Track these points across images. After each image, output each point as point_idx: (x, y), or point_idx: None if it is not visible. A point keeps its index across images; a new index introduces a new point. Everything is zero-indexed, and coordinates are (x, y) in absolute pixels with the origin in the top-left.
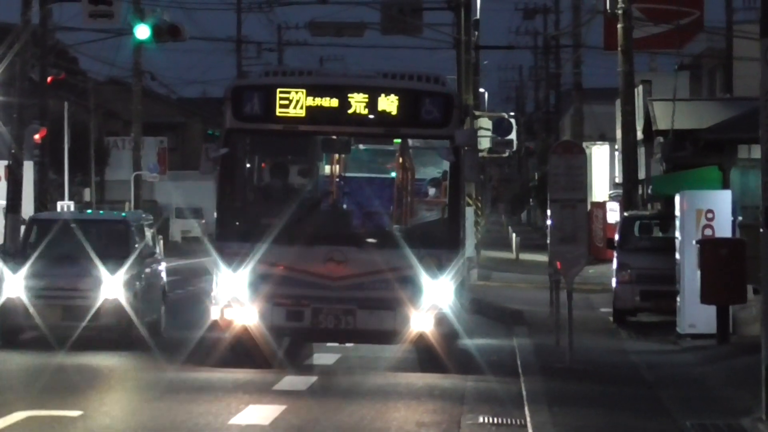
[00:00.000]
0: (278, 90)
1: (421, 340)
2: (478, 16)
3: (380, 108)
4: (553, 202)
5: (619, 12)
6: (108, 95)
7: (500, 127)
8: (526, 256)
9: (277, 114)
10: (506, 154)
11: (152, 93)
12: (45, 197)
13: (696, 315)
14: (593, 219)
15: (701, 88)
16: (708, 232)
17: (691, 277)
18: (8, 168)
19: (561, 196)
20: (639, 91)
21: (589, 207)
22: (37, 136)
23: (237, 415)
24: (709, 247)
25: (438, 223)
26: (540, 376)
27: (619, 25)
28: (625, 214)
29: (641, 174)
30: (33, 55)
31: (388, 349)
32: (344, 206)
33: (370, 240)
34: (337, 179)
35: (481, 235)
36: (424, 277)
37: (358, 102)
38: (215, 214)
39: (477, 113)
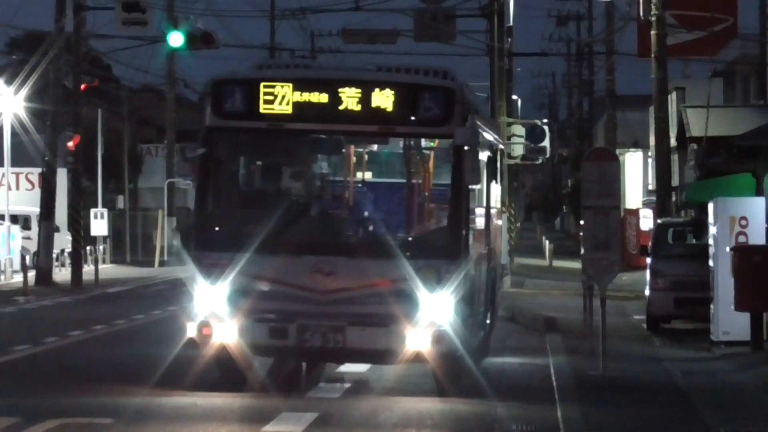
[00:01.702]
0: (262, 84)
1: (418, 360)
2: (511, 23)
3: (374, 104)
4: (586, 209)
5: (653, 19)
6: (141, 102)
7: (533, 134)
8: (559, 263)
9: (262, 111)
10: (539, 161)
11: (186, 100)
12: (78, 204)
13: (730, 322)
14: (627, 226)
15: (735, 95)
16: (742, 239)
17: (724, 285)
18: (42, 175)
19: (594, 203)
20: (672, 97)
21: (622, 214)
22: (70, 144)
23: None
24: (743, 254)
25: (438, 232)
26: (574, 387)
27: (653, 32)
28: (659, 221)
29: (675, 181)
30: (67, 63)
31: (403, 371)
32: (334, 213)
33: (361, 250)
34: (328, 183)
35: (515, 242)
36: (421, 291)
37: (349, 97)
38: (193, 220)
39: (510, 120)
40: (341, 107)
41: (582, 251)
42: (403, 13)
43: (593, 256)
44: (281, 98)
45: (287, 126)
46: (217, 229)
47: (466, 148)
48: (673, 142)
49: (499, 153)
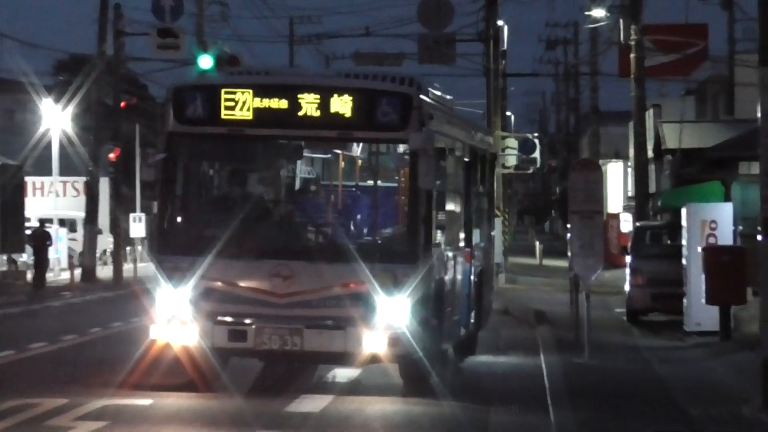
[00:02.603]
0: (223, 90)
1: (377, 362)
2: (505, 47)
3: (333, 109)
4: (572, 213)
5: (632, 43)
6: None
7: (525, 147)
8: (548, 262)
9: (222, 116)
10: (531, 171)
11: None
12: (118, 209)
13: (701, 315)
14: (608, 229)
15: (706, 111)
16: (711, 240)
17: (696, 281)
18: (86, 184)
19: (580, 208)
20: (650, 114)
21: (604, 218)
22: (111, 155)
23: None
24: (713, 254)
25: (394, 236)
26: (561, 373)
27: (632, 55)
28: (637, 224)
29: (652, 188)
30: (108, 83)
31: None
32: (293, 217)
33: (319, 254)
34: (287, 188)
35: (508, 243)
36: (378, 295)
37: (309, 103)
38: (155, 225)
39: (504, 134)
40: (300, 113)
41: (569, 251)
42: (408, 38)
43: (579, 255)
44: (242, 104)
45: (247, 132)
46: (178, 233)
47: (420, 152)
48: (650, 153)
49: (483, 157)
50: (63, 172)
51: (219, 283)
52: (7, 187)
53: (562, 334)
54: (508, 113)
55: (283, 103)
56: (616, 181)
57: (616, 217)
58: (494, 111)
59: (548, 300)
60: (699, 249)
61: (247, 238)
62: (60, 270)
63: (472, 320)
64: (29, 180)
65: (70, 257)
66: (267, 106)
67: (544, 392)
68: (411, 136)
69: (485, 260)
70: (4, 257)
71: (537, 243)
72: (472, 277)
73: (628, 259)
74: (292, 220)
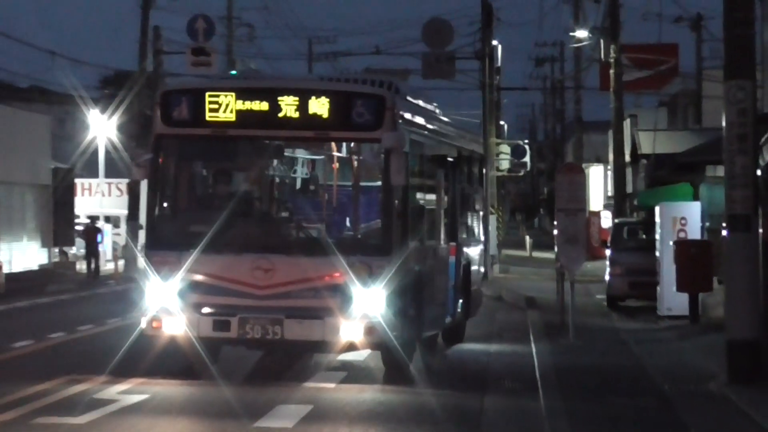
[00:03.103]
0: (207, 94)
1: (353, 350)
2: (499, 64)
3: (311, 111)
4: (558, 211)
5: (612, 60)
6: None
7: (517, 152)
8: (537, 254)
9: (207, 118)
10: (521, 173)
11: None
12: None
13: (672, 301)
14: (590, 225)
15: (677, 121)
16: (682, 234)
17: (668, 271)
18: (128, 185)
19: (565, 206)
20: (627, 123)
21: (587, 215)
22: None
23: None
24: (683, 247)
25: (369, 230)
26: (549, 351)
27: (611, 71)
28: (616, 220)
29: (629, 189)
30: (148, 96)
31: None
32: (274, 213)
33: (298, 248)
34: (269, 185)
35: (502, 237)
36: (354, 286)
37: (288, 105)
38: (144, 222)
39: (498, 141)
40: (280, 114)
41: (556, 245)
42: (413, 56)
43: (564, 248)
44: (225, 106)
45: (230, 132)
46: (165, 229)
47: (393, 151)
48: (627, 158)
49: (470, 158)
50: (108, 174)
51: (204, 276)
52: (59, 188)
53: (550, 317)
54: (502, 122)
55: (264, 105)
56: (597, 183)
57: (597, 214)
58: (489, 120)
59: (537, 288)
60: (670, 243)
61: (230, 234)
62: (105, 261)
63: (459, 309)
64: (78, 181)
65: (114, 250)
66: (249, 108)
67: (534, 370)
68: (384, 136)
69: (474, 254)
70: (57, 250)
71: (527, 237)
72: (459, 269)
73: (607, 251)
74: (273, 216)
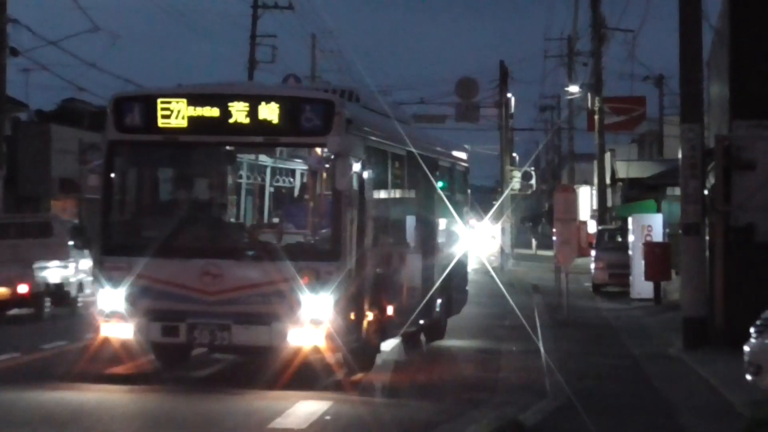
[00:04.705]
0: (159, 100)
1: (301, 356)
2: (512, 111)
3: (261, 116)
4: (556, 220)
5: (596, 108)
6: None
7: (525, 176)
8: (541, 252)
9: (159, 125)
10: (529, 192)
11: None
12: None
13: (641, 287)
14: (580, 231)
15: (644, 153)
16: (648, 238)
17: (638, 265)
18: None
19: (561, 216)
20: (608, 155)
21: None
22: None
23: None
24: (649, 247)
25: (319, 235)
26: (548, 324)
27: (596, 116)
28: (599, 227)
29: (609, 204)
30: None
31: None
32: (223, 219)
33: (246, 253)
34: (218, 191)
35: (514, 239)
36: (302, 291)
37: (238, 111)
38: (97, 227)
39: (512, 168)
40: (231, 120)
41: (554, 245)
42: (449, 105)
43: (561, 248)
44: (176, 113)
45: (181, 138)
46: (116, 235)
47: (339, 155)
48: (608, 181)
49: (451, 169)
50: None
51: (154, 282)
52: None
53: (549, 299)
54: (515, 154)
55: (215, 111)
56: (585, 199)
57: (584, 223)
58: (505, 153)
59: (540, 277)
60: (640, 244)
61: (180, 239)
62: None
63: (438, 309)
64: None
65: None
66: (200, 114)
67: (538, 337)
68: (329, 140)
69: (454, 257)
70: None
71: (533, 240)
72: (435, 272)
73: (593, 251)
74: (223, 221)
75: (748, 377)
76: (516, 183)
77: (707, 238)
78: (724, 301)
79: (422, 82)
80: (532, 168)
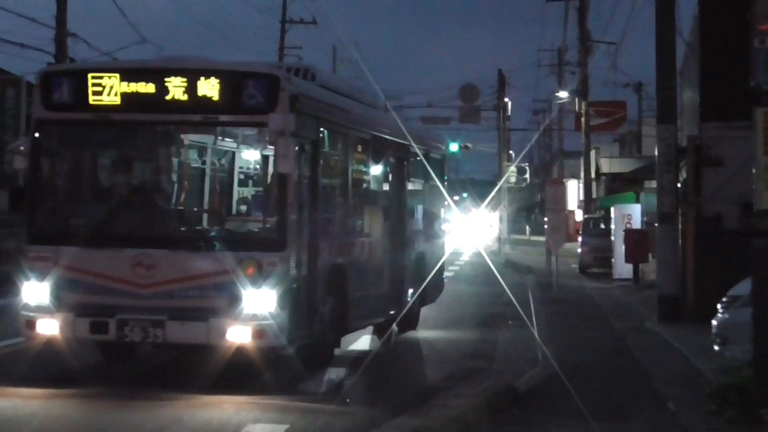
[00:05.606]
0: (90, 75)
1: (240, 354)
2: (509, 113)
3: (200, 93)
4: (548, 209)
5: (583, 111)
6: None
7: (521, 171)
8: (534, 238)
9: (90, 102)
10: (524, 185)
11: None
12: None
13: (622, 269)
14: (569, 219)
15: (625, 151)
16: (628, 226)
17: (619, 249)
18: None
19: (552, 206)
20: (593, 153)
21: (566, 213)
22: None
23: None
24: (629, 234)
25: (261, 223)
26: (540, 301)
27: (582, 118)
28: (585, 216)
29: (593, 195)
30: None
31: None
32: (157, 205)
33: (183, 242)
34: (152, 174)
35: (510, 227)
36: (243, 284)
37: (176, 87)
38: (24, 214)
39: (509, 164)
40: (167, 97)
41: (546, 232)
42: (453, 108)
43: (551, 234)
44: (109, 89)
45: (113, 117)
46: (42, 222)
47: (280, 135)
48: (593, 175)
49: (426, 156)
50: None
51: (82, 273)
52: None
53: (541, 279)
54: (511, 152)
55: (150, 87)
56: (573, 192)
57: (572, 212)
58: (503, 150)
59: (534, 259)
60: (621, 231)
61: (111, 227)
62: None
63: (409, 299)
64: None
65: None
66: (134, 90)
67: (531, 313)
68: (271, 118)
69: (429, 246)
70: None
71: (527, 227)
72: (407, 262)
73: (579, 237)
74: (157, 207)
75: (716, 348)
76: (512, 177)
77: (680, 226)
78: (694, 281)
79: (429, 87)
80: (527, 164)
